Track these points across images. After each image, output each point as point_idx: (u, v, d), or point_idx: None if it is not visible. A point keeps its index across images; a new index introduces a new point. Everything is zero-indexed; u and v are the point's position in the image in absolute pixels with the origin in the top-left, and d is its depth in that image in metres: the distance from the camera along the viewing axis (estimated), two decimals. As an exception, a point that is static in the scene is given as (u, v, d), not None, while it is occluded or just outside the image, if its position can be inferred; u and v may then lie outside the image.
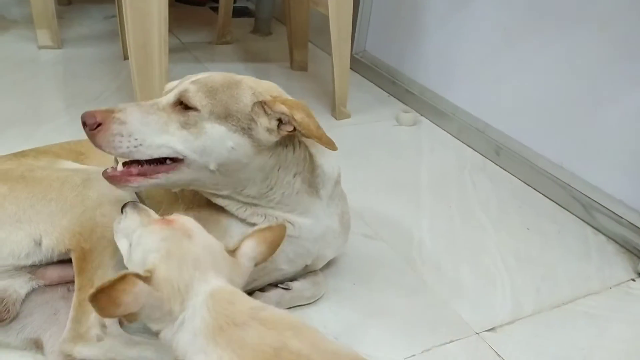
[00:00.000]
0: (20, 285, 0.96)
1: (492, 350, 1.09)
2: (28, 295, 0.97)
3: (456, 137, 1.93)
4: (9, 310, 0.94)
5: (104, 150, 0.91)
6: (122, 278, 0.66)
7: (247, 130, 0.92)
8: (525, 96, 1.71)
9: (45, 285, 0.99)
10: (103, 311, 0.67)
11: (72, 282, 0.98)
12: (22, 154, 1.10)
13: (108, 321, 0.93)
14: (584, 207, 1.52)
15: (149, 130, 0.91)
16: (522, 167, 1.70)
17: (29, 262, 0.94)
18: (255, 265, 0.81)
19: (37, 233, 0.93)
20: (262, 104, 0.93)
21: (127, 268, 0.81)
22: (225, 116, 0.92)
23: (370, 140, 1.84)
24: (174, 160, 0.92)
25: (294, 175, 1.01)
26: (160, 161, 0.93)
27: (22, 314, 0.97)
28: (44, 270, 0.97)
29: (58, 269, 0.98)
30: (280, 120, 0.93)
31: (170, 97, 0.94)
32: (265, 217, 1.02)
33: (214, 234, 0.92)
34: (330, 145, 0.95)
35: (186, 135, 0.91)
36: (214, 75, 0.96)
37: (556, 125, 1.63)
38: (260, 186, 0.99)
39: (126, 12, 1.59)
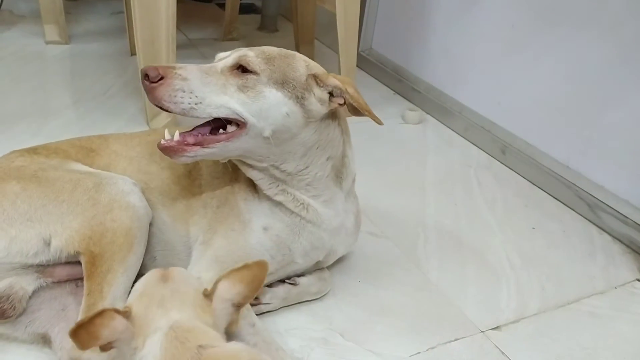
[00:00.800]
0: (27, 283, 0.96)
1: (497, 348, 1.09)
2: (36, 291, 0.98)
3: (462, 136, 1.93)
4: (14, 307, 0.95)
5: (162, 106, 0.92)
6: (101, 313, 0.70)
7: (300, 100, 0.96)
8: (532, 95, 1.71)
9: (53, 282, 1.00)
10: (82, 345, 0.70)
11: (81, 278, 0.98)
12: (34, 151, 1.10)
13: None
14: (590, 206, 1.52)
15: (209, 90, 0.92)
16: (528, 166, 1.70)
17: (37, 261, 0.94)
18: (237, 306, 0.80)
19: (47, 233, 0.94)
20: (314, 77, 0.97)
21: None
22: (282, 82, 0.95)
23: (376, 138, 1.84)
24: (237, 124, 0.94)
25: (327, 159, 1.04)
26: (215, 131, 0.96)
27: (30, 309, 0.97)
28: (52, 269, 0.98)
29: (67, 268, 0.98)
30: (331, 94, 0.98)
31: (228, 61, 0.96)
32: (293, 197, 1.04)
33: (230, 218, 0.98)
34: (377, 119, 1.02)
35: (244, 98, 0.93)
36: (269, 47, 1.01)
37: (562, 125, 1.63)
38: (298, 162, 1.01)
39: (134, 8, 1.60)
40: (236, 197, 1.07)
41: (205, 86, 0.93)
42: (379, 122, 1.03)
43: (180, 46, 1.90)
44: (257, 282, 0.80)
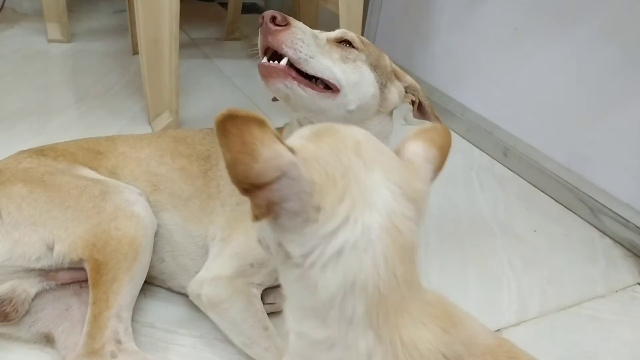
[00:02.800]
0: (30, 286, 0.96)
1: (498, 352, 1.09)
2: (39, 293, 0.98)
3: (464, 138, 1.93)
4: (17, 310, 0.95)
5: (280, 49, 0.93)
6: (260, 122, 0.44)
7: (382, 87, 1.04)
8: (534, 97, 1.71)
9: (57, 285, 1.00)
10: (234, 150, 0.44)
11: (85, 280, 0.98)
12: (41, 152, 1.10)
13: (123, 338, 0.92)
14: (591, 210, 1.52)
15: (319, 51, 0.97)
16: (530, 169, 1.69)
17: (39, 265, 0.94)
18: (434, 174, 0.57)
19: (50, 238, 0.94)
20: (394, 72, 1.08)
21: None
22: (375, 66, 1.03)
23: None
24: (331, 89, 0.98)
25: None
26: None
27: (33, 309, 0.98)
28: (55, 273, 0.98)
29: (70, 272, 0.98)
30: (406, 90, 1.09)
31: (332, 34, 1.02)
32: None
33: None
34: (442, 123, 1.06)
35: (345, 68, 0.98)
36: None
37: (564, 128, 1.63)
38: None
39: (137, 7, 1.60)
40: None
41: (317, 46, 0.96)
42: (439, 122, 1.12)
43: (182, 46, 1.90)
44: (446, 148, 0.60)
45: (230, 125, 0.43)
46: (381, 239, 0.47)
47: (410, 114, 1.98)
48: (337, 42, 1.01)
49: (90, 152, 1.13)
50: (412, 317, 0.49)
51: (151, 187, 1.09)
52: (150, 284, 1.12)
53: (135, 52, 2.21)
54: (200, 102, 1.98)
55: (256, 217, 0.49)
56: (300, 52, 0.93)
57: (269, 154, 0.44)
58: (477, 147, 1.88)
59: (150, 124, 1.76)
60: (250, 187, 0.46)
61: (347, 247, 0.46)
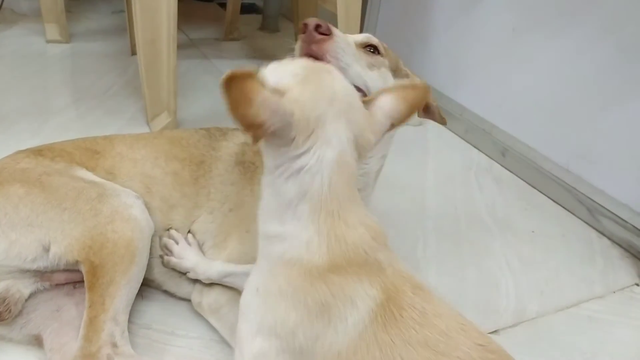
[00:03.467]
0: (24, 286, 0.96)
1: (495, 352, 1.09)
2: (33, 293, 0.98)
3: (463, 138, 1.93)
4: (10, 310, 0.94)
5: (324, 58, 0.93)
6: (252, 76, 0.60)
7: None
8: (533, 98, 1.71)
9: (51, 285, 0.99)
10: (234, 100, 0.59)
11: (79, 281, 0.98)
12: (39, 152, 1.09)
13: (119, 341, 0.92)
14: (589, 210, 1.52)
15: (353, 60, 0.96)
16: (528, 169, 1.69)
17: (34, 266, 0.94)
18: (391, 127, 0.72)
19: (46, 239, 0.94)
20: (406, 74, 1.09)
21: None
22: (394, 71, 1.05)
23: (376, 140, 1.83)
24: None
25: (382, 156, 1.10)
26: None
27: (26, 310, 0.97)
28: (50, 274, 0.98)
29: (65, 273, 0.98)
30: None
31: (357, 38, 1.01)
32: None
33: (245, 221, 1.00)
34: (445, 120, 1.17)
35: (372, 75, 0.99)
36: None
37: (562, 128, 1.63)
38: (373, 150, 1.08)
39: (135, 7, 1.60)
40: (257, 199, 1.06)
41: (351, 55, 0.96)
42: (445, 123, 1.17)
43: (181, 46, 1.90)
44: (416, 104, 0.73)
45: (231, 81, 0.58)
46: (330, 167, 0.65)
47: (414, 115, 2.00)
48: (363, 47, 1.01)
49: (87, 152, 1.12)
50: (347, 222, 0.66)
51: (144, 189, 1.09)
52: (146, 286, 1.12)
53: (134, 52, 2.21)
54: (199, 103, 1.98)
55: (254, 140, 0.63)
56: (342, 61, 0.94)
57: (260, 99, 0.59)
58: (475, 147, 1.88)
59: (148, 124, 1.76)
60: (248, 125, 0.61)
61: (305, 168, 0.65)
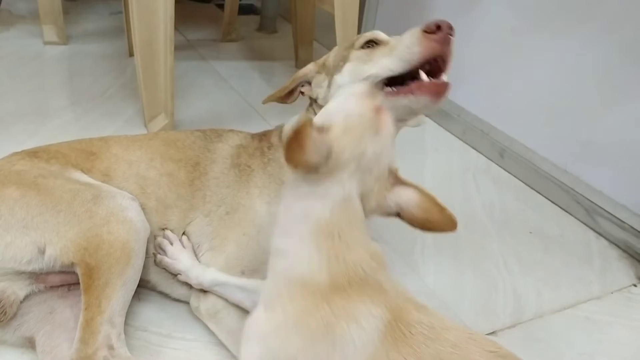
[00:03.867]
0: (19, 288, 0.96)
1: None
2: (28, 295, 0.97)
3: (461, 139, 1.93)
4: (5, 312, 0.94)
5: (448, 60, 0.94)
6: (304, 126, 0.64)
7: None
8: (531, 98, 1.71)
9: (46, 287, 0.99)
10: (291, 151, 0.64)
11: (74, 283, 0.98)
12: (34, 154, 1.09)
13: (116, 343, 0.92)
14: (587, 211, 1.52)
15: None
16: (526, 170, 1.69)
17: (30, 268, 0.94)
18: (394, 215, 0.76)
19: (41, 241, 0.94)
20: None
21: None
22: None
23: (374, 141, 1.83)
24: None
25: None
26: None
27: (20, 312, 0.97)
28: (45, 276, 0.98)
29: (60, 275, 0.98)
30: None
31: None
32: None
33: (243, 223, 1.03)
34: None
35: None
36: None
37: (561, 128, 1.63)
38: None
39: (132, 8, 1.60)
40: (254, 201, 1.06)
41: None
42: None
43: (178, 47, 1.89)
44: (431, 226, 0.78)
45: (292, 139, 0.63)
46: (335, 201, 0.69)
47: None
48: None
49: (83, 154, 1.12)
50: (347, 244, 0.69)
51: (139, 190, 1.09)
52: (142, 287, 1.12)
53: (132, 54, 2.20)
54: (196, 104, 1.97)
55: (295, 169, 0.68)
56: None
57: (311, 143, 0.64)
58: (473, 148, 1.88)
59: (145, 126, 1.75)
60: (299, 166, 0.66)
61: (315, 193, 0.70)
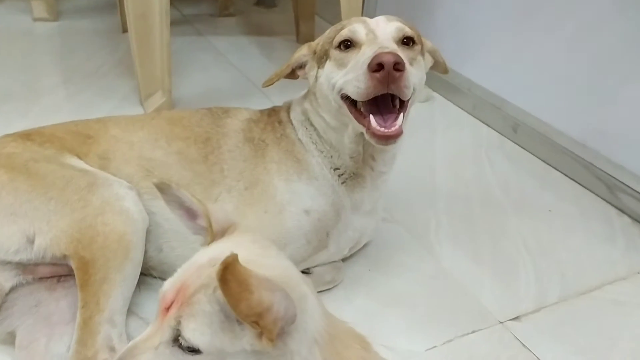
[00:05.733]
0: (5, 279, 0.90)
1: (517, 340, 1.03)
2: (13, 287, 0.92)
3: (471, 114, 1.85)
4: None
5: (402, 95, 0.90)
6: (236, 259, 0.55)
7: (425, 66, 1.03)
8: (545, 69, 1.63)
9: (34, 279, 0.93)
10: (234, 294, 0.55)
11: (65, 275, 0.92)
12: (27, 137, 1.03)
13: (117, 344, 0.86)
14: (608, 187, 1.45)
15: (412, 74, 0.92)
16: (542, 145, 1.62)
17: (17, 258, 0.88)
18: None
19: (30, 230, 0.88)
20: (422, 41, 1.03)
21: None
22: (421, 49, 1.00)
23: (381, 117, 1.76)
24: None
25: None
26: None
27: (5, 305, 0.91)
28: (34, 267, 0.91)
29: (50, 266, 0.92)
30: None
31: (393, 33, 0.95)
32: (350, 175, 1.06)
33: (263, 200, 1.00)
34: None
35: (413, 71, 0.94)
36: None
37: (578, 101, 1.55)
38: None
39: (125, -20, 1.51)
40: (272, 177, 1.03)
41: (411, 73, 0.91)
42: (447, 71, 1.15)
43: (174, 22, 1.81)
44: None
45: (227, 274, 0.52)
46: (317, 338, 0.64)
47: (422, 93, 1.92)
48: (401, 42, 0.95)
49: (79, 136, 1.06)
50: (342, 342, 0.66)
51: (144, 173, 1.03)
52: (148, 275, 1.06)
53: (125, 30, 2.12)
54: (194, 81, 1.89)
55: (270, 340, 0.57)
56: (410, 88, 0.90)
57: (256, 282, 0.54)
58: (485, 123, 1.80)
59: (142, 104, 1.68)
60: (256, 317, 0.54)
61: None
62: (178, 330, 0.59)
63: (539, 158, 1.63)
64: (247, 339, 0.58)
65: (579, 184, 1.52)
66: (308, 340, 0.62)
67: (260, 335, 0.57)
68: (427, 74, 1.06)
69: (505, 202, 1.43)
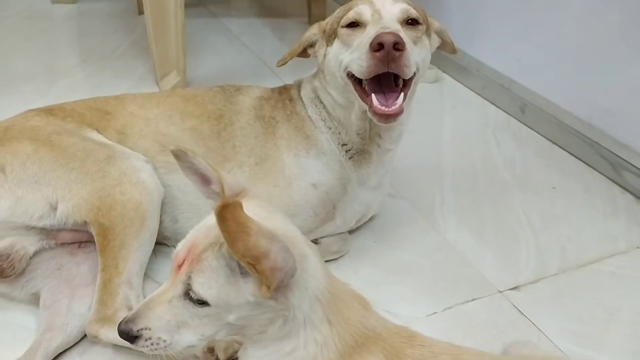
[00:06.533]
0: (29, 243, 0.96)
1: (515, 308, 1.07)
2: (37, 252, 0.97)
3: (480, 95, 1.87)
4: (14, 267, 0.94)
5: (402, 74, 0.93)
6: (241, 205, 0.59)
7: (431, 46, 1.06)
8: (554, 50, 1.64)
9: (56, 244, 0.99)
10: (232, 232, 0.58)
11: (85, 241, 0.97)
12: (50, 112, 1.08)
13: (134, 305, 0.91)
14: (612, 165, 1.47)
15: (414, 53, 0.96)
16: (549, 124, 1.64)
17: (41, 224, 0.93)
18: None
19: (53, 197, 0.93)
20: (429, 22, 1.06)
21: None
22: (427, 30, 1.03)
23: (390, 97, 1.79)
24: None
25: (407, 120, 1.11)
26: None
27: (29, 268, 0.97)
28: (56, 232, 0.97)
29: (72, 232, 0.97)
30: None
31: (398, 14, 0.98)
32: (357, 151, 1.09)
33: (272, 174, 1.05)
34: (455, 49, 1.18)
35: (417, 50, 0.97)
36: None
37: (584, 81, 1.56)
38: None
39: (140, -38, 1.55)
40: (282, 152, 1.07)
41: (412, 52, 0.95)
42: (455, 51, 1.17)
43: (188, 4, 1.84)
44: None
45: (225, 212, 0.56)
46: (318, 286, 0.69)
47: (427, 73, 1.94)
48: (405, 23, 0.98)
49: (98, 112, 1.11)
50: (343, 301, 0.71)
51: (159, 147, 1.07)
52: (163, 244, 1.11)
53: (141, 11, 2.16)
54: (209, 62, 1.94)
55: (268, 288, 0.61)
56: (411, 66, 0.93)
57: (256, 228, 0.58)
58: (493, 104, 1.82)
59: (157, 84, 1.72)
60: (252, 259, 0.58)
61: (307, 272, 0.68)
62: (189, 284, 0.64)
63: (546, 137, 1.65)
64: (249, 289, 0.63)
65: (584, 162, 1.54)
66: (310, 297, 0.66)
67: (260, 284, 0.61)
68: (437, 56, 1.09)
69: (510, 179, 1.46)
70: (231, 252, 0.58)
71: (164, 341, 0.67)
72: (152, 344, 0.67)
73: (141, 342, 0.67)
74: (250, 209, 0.67)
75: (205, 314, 0.65)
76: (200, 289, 0.63)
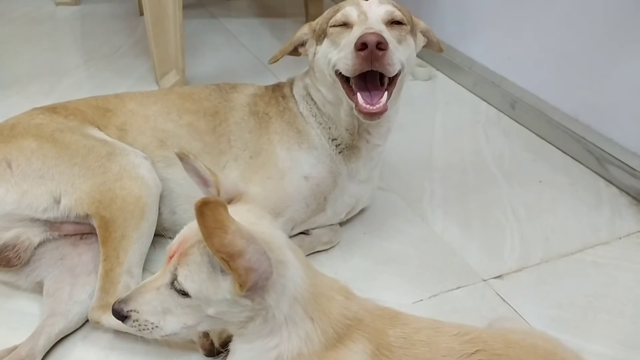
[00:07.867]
0: (34, 234, 1.01)
1: (498, 296, 1.12)
2: (41, 242, 1.02)
3: (471, 91, 1.91)
4: (19, 257, 0.99)
5: (386, 72, 0.98)
6: (223, 205, 0.64)
7: (416, 45, 1.11)
8: (543, 48, 1.68)
9: (60, 235, 1.04)
10: (209, 228, 0.62)
11: (87, 233, 1.02)
12: (53, 110, 1.13)
13: None
14: (598, 159, 1.51)
15: (398, 52, 1.00)
16: (538, 120, 1.68)
17: (45, 216, 0.99)
18: None
19: (57, 191, 0.98)
20: (414, 22, 1.11)
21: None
22: (411, 29, 1.07)
23: (384, 95, 1.83)
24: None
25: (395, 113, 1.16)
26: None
27: (34, 258, 1.02)
28: (60, 224, 1.02)
29: (74, 224, 1.02)
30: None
31: (383, 15, 1.03)
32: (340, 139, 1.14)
33: (266, 167, 1.09)
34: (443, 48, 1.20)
35: (401, 49, 1.02)
36: None
37: (573, 78, 1.61)
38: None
39: (140, -35, 1.60)
40: (275, 146, 1.12)
41: (396, 51, 0.99)
42: (442, 50, 1.19)
43: (188, 5, 1.90)
44: None
45: (205, 208, 0.60)
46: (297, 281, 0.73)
47: (418, 70, 1.98)
48: (389, 23, 1.03)
49: (99, 110, 1.16)
50: (325, 296, 0.74)
51: (158, 143, 1.12)
52: (162, 236, 1.16)
53: (142, 13, 2.21)
54: (208, 62, 1.98)
55: (240, 287, 0.65)
56: (395, 65, 0.98)
57: (234, 227, 0.62)
58: (484, 100, 1.86)
59: (157, 83, 1.77)
60: (227, 256, 0.63)
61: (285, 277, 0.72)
62: (175, 275, 0.70)
63: (534, 133, 1.69)
64: (227, 287, 0.68)
65: (571, 156, 1.58)
66: (288, 299, 0.71)
67: (235, 282, 0.66)
68: (430, 55, 1.14)
69: (498, 173, 1.50)
70: (207, 244, 0.63)
71: (151, 324, 0.74)
72: (139, 325, 0.74)
73: (129, 322, 0.74)
74: (240, 212, 0.72)
75: (187, 304, 0.71)
76: (184, 281, 0.69)
